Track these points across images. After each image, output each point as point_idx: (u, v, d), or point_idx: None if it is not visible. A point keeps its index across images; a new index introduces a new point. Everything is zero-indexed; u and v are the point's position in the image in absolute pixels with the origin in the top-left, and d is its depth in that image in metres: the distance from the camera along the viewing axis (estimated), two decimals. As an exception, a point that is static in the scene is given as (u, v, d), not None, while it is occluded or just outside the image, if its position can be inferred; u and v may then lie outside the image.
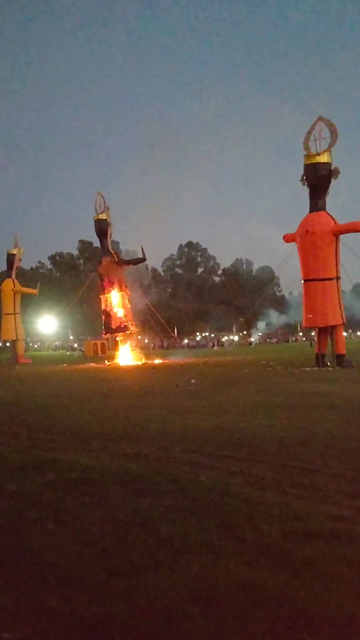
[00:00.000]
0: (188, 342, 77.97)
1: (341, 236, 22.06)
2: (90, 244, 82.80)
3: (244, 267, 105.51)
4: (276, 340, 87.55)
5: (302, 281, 22.65)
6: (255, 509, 4.11)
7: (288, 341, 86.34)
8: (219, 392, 13.30)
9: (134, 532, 3.77)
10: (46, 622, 2.67)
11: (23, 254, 41.06)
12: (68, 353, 60.08)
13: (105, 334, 34.73)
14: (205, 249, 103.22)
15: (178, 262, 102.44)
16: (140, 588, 2.94)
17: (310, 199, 22.49)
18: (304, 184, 22.61)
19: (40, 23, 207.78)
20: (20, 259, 40.98)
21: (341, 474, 5.12)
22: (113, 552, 3.43)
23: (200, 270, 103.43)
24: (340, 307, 21.96)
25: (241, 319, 67.43)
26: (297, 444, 6.58)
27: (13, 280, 39.19)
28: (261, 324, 78.78)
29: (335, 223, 21.90)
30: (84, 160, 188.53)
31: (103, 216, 33.45)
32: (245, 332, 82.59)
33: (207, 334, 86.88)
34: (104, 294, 33.44)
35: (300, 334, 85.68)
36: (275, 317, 77.68)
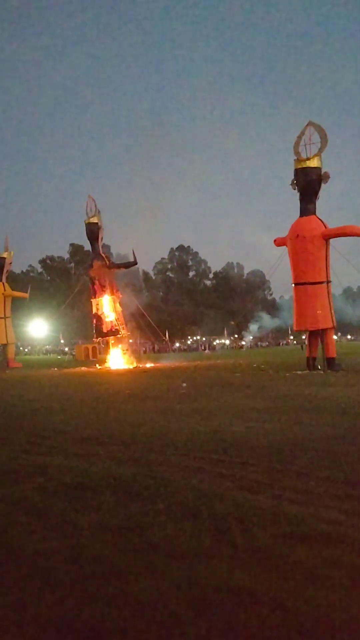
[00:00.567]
0: (179, 346, 77.98)
1: (331, 240, 22.22)
2: (81, 247, 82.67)
3: (235, 270, 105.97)
4: (267, 343, 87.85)
5: (293, 285, 22.76)
6: (247, 513, 4.11)
7: (279, 345, 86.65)
8: (210, 395, 13.31)
9: (125, 536, 3.76)
10: (38, 628, 2.66)
11: (13, 257, 40.90)
12: (59, 357, 59.84)
13: (97, 337, 34.65)
14: (197, 253, 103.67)
15: (169, 266, 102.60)
16: (131, 593, 2.93)
17: (301, 203, 22.65)
18: (294, 189, 22.77)
19: (33, 22, 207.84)
20: (10, 263, 40.77)
21: (332, 477, 5.14)
22: (104, 557, 3.42)
23: (191, 274, 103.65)
24: (330, 310, 22.10)
25: (232, 323, 67.60)
26: (288, 447, 6.60)
27: (3, 284, 39.00)
28: (253, 327, 79.05)
29: (326, 227, 22.06)
30: (75, 163, 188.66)
31: (94, 219, 33.43)
32: (236, 336, 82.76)
33: (198, 337, 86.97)
34: (95, 297, 33.38)
35: (291, 337, 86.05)
36: (267, 321, 78.02)
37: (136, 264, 35.44)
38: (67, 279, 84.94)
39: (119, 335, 32.79)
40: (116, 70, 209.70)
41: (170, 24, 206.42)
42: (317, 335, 22.26)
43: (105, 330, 32.84)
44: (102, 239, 34.36)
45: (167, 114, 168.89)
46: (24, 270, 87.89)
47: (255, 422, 8.67)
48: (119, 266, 36.40)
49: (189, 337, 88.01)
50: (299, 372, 20.82)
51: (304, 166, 22.23)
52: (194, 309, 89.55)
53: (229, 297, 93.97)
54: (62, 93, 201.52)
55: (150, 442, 7.27)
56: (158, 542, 3.62)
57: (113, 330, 32.68)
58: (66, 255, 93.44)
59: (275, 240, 23.77)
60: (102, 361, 33.88)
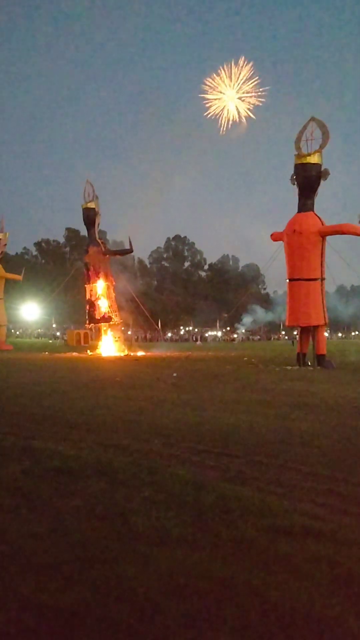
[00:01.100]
0: (171, 336, 78.05)
1: (328, 238, 22.23)
2: (78, 232, 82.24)
3: (230, 263, 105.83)
4: (259, 337, 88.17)
5: (287, 280, 22.80)
6: (231, 504, 4.15)
7: (270, 339, 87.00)
8: (200, 387, 13.35)
9: (110, 522, 3.79)
10: (19, 609, 2.67)
11: (8, 239, 40.60)
12: (50, 341, 59.74)
13: (89, 323, 34.58)
14: (193, 243, 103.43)
15: (165, 255, 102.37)
16: (114, 579, 2.96)
17: (299, 198, 22.60)
18: (294, 184, 22.71)
19: (31, 8, 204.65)
20: (5, 244, 40.52)
21: (317, 472, 5.19)
22: (88, 542, 3.44)
23: (186, 264, 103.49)
24: (323, 308, 22.16)
25: (225, 315, 67.70)
26: (274, 441, 6.65)
27: (-3, 265, 38.77)
28: (247, 319, 79.19)
29: (323, 224, 22.05)
30: (73, 146, 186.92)
31: (91, 205, 33.20)
32: (228, 328, 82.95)
33: (190, 328, 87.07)
34: (89, 283, 33.27)
35: (283, 332, 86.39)
36: (261, 314, 78.18)
37: (132, 251, 35.27)
38: (61, 263, 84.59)
39: (111, 322, 32.75)
40: (120, 57, 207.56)
41: (176, 7, 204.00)
42: (309, 331, 22.35)
43: (98, 317, 32.78)
44: (98, 224, 34.15)
45: (170, 101, 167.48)
46: (19, 252, 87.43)
47: (243, 415, 8.72)
48: (114, 253, 36.25)
49: (182, 328, 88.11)
50: (289, 368, 20.92)
51: (304, 162, 22.15)
52: (188, 299, 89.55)
53: (223, 289, 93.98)
54: (63, 75, 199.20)
55: (138, 430, 7.30)
56: (142, 529, 3.65)
57: (106, 317, 32.63)
58: (62, 240, 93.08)
59: (272, 235, 23.75)
60: (94, 347, 33.85)
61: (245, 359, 26.32)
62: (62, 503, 4.20)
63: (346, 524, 3.82)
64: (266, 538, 3.51)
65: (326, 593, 2.83)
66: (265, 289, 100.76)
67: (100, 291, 32.79)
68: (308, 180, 22.21)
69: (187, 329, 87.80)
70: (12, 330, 69.02)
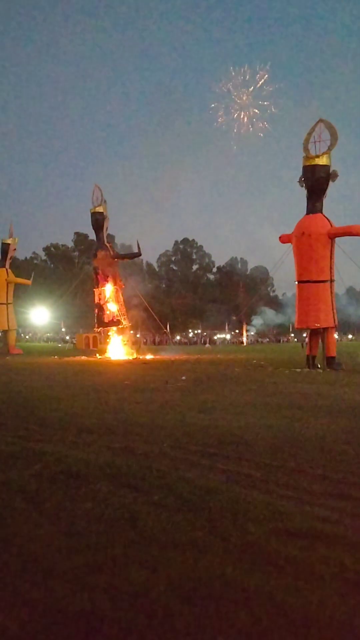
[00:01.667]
0: (180, 339, 78.05)
1: (337, 239, 22.14)
2: (86, 236, 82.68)
3: (239, 265, 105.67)
4: (267, 340, 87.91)
5: (296, 282, 22.72)
6: (241, 507, 4.13)
7: (279, 341, 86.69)
8: (209, 389, 13.33)
9: (120, 526, 3.79)
10: (30, 614, 2.68)
11: (18, 244, 40.87)
12: (59, 345, 59.96)
13: (98, 327, 34.67)
14: (201, 246, 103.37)
15: (173, 258, 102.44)
16: (124, 583, 2.96)
17: (308, 200, 22.54)
18: (302, 186, 22.66)
19: (35, 7, 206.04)
20: (14, 249, 40.72)
21: (327, 475, 5.16)
22: (98, 546, 3.44)
23: (195, 267, 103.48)
24: (332, 309, 22.06)
25: (234, 318, 67.57)
26: (284, 444, 6.62)
27: (7, 270, 38.99)
28: (256, 321, 79.01)
29: (332, 226, 21.97)
30: (81, 151, 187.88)
31: (100, 209, 33.34)
32: (237, 331, 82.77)
33: (199, 331, 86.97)
34: (98, 287, 33.38)
35: (292, 334, 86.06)
36: (271, 317, 78.01)
37: (140, 255, 35.33)
38: (70, 268, 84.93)
39: (120, 326, 32.83)
40: (127, 59, 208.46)
41: (182, 5, 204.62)
42: (318, 333, 22.25)
43: (106, 320, 32.88)
44: (107, 228, 34.29)
45: (177, 104, 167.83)
46: (28, 257, 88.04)
47: (252, 418, 8.69)
48: (123, 257, 36.35)
49: (190, 331, 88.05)
50: (298, 370, 20.83)
51: (313, 164, 22.09)
52: (197, 302, 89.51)
53: (232, 292, 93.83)
54: (71, 79, 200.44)
55: (147, 433, 7.30)
56: (152, 533, 3.65)
57: (114, 320, 32.72)
58: (70, 244, 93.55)
59: (280, 237, 23.69)
60: (102, 351, 33.92)
61: (255, 361, 26.24)
62: (72, 507, 4.21)
63: (357, 527, 3.79)
64: (276, 542, 3.50)
65: (337, 597, 2.81)
66: (274, 291, 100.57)
67: (109, 295, 32.90)
68: (317, 182, 22.14)
69: (195, 332, 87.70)
70: (22, 335, 69.46)
